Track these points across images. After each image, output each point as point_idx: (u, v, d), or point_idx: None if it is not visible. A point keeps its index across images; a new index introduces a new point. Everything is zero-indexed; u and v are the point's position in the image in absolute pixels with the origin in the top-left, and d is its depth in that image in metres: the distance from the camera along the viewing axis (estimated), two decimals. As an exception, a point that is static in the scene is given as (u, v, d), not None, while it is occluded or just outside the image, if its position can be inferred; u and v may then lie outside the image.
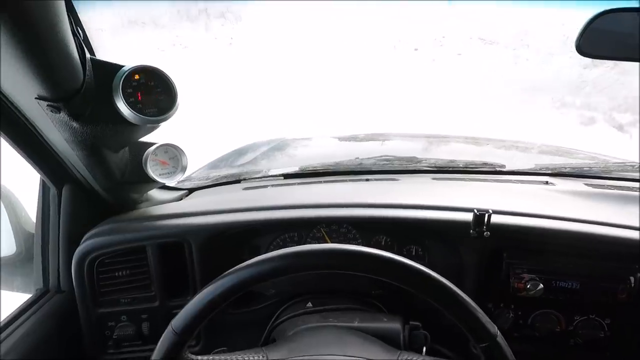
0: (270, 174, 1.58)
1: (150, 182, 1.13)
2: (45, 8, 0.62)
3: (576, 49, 0.82)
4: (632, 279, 1.01)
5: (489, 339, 0.72)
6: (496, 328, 0.74)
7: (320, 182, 1.47)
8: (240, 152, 2.05)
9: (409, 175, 1.54)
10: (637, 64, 0.78)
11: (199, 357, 0.80)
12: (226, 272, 0.75)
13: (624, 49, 0.82)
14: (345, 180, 1.48)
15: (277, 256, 0.74)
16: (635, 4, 0.78)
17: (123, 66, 0.87)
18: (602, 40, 0.81)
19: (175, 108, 0.92)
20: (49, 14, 0.63)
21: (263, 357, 0.83)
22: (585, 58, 0.92)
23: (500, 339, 0.73)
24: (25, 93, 0.80)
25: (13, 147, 0.98)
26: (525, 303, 1.09)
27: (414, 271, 0.74)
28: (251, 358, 0.82)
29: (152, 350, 1.15)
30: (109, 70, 0.86)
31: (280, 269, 0.74)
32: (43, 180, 1.13)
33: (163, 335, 0.75)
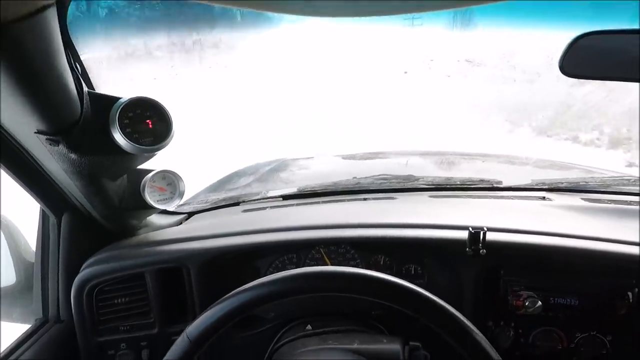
0: (269, 195, 1.59)
1: (149, 209, 1.15)
2: (44, 45, 0.64)
3: (560, 70, 0.85)
4: (630, 294, 1.00)
5: None
6: (497, 354, 0.73)
7: (318, 202, 1.48)
8: (238, 174, 2.06)
9: (407, 193, 1.55)
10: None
11: None
12: (245, 286, 0.76)
13: (606, 69, 0.84)
14: (344, 200, 1.49)
15: (297, 275, 0.76)
16: (615, 25, 0.81)
17: (119, 98, 0.89)
18: (584, 60, 0.84)
19: (170, 137, 0.94)
20: (46, 51, 0.66)
21: None
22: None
23: None
24: (25, 127, 0.83)
25: (12, 178, 0.99)
26: (526, 321, 1.08)
27: (418, 296, 0.74)
28: None
29: (151, 378, 1.15)
30: (106, 102, 0.89)
31: (297, 289, 0.76)
32: (42, 210, 1.14)
33: (176, 341, 0.75)
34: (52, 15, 0.62)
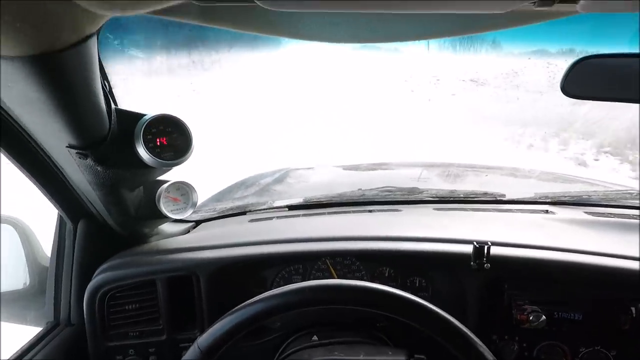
0: (275, 205, 1.62)
1: (163, 218, 1.18)
2: (83, 70, 0.68)
3: (561, 90, 0.88)
4: (633, 309, 1.02)
5: None
6: None
7: (324, 213, 1.50)
8: (245, 184, 2.09)
9: (411, 206, 1.57)
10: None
11: None
12: (257, 297, 0.78)
13: (606, 91, 0.87)
14: (349, 212, 1.51)
15: (308, 287, 0.79)
16: (614, 49, 0.84)
17: (144, 115, 0.94)
18: (585, 82, 0.87)
19: (190, 152, 0.99)
20: (84, 73, 0.70)
21: None
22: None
23: None
24: (56, 141, 0.87)
25: (35, 185, 1.03)
26: (530, 335, 1.10)
27: (421, 308, 0.76)
28: None
29: (158, 384, 1.17)
30: (131, 118, 0.94)
31: (310, 300, 0.78)
32: (60, 216, 1.17)
33: (188, 352, 0.77)
34: (93, 43, 0.66)
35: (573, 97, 0.88)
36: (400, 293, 0.78)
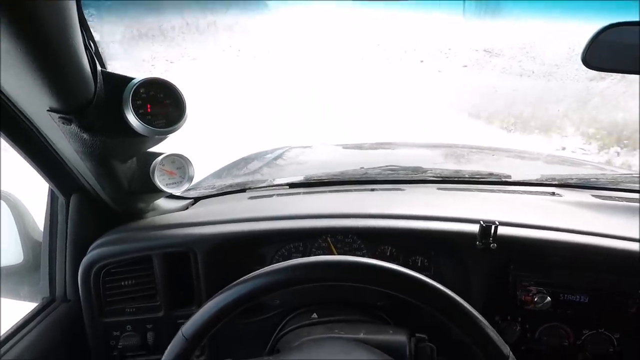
0: (275, 183, 1.59)
1: (157, 192, 1.14)
2: (58, 22, 0.63)
3: (582, 62, 0.82)
4: None
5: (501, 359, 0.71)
6: (508, 349, 0.72)
7: (325, 191, 1.47)
8: (245, 161, 2.06)
9: (415, 185, 1.54)
10: (641, 76, 0.79)
11: None
12: (239, 280, 0.75)
13: (630, 62, 0.82)
14: (351, 190, 1.49)
15: (290, 266, 0.75)
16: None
17: (133, 78, 0.88)
18: (608, 53, 0.81)
19: (183, 120, 0.93)
20: (62, 27, 0.65)
21: None
22: (591, 70, 0.92)
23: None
24: (37, 105, 0.82)
25: (23, 157, 0.99)
26: (533, 316, 1.08)
27: (428, 287, 0.73)
28: None
29: (156, 360, 1.16)
30: (119, 82, 0.88)
31: (295, 280, 0.74)
32: (51, 190, 1.14)
33: (172, 341, 0.75)
34: None
35: (595, 69, 0.83)
36: (400, 269, 0.75)
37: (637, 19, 0.80)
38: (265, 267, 0.76)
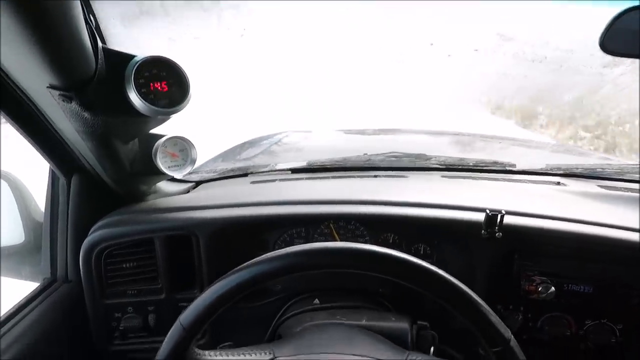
0: (277, 168, 1.57)
1: (159, 174, 1.13)
2: None
3: (600, 47, 0.80)
4: None
5: (502, 343, 0.71)
6: (510, 332, 0.72)
7: (328, 177, 1.46)
8: (247, 145, 2.04)
9: (418, 172, 1.52)
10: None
11: (206, 352, 0.80)
12: (236, 268, 0.74)
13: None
14: (354, 177, 1.47)
15: (290, 253, 0.74)
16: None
17: (135, 56, 0.85)
18: (627, 38, 0.79)
19: (187, 100, 0.91)
20: (61, 2, 0.62)
21: (270, 353, 0.82)
22: (605, 56, 0.89)
23: (513, 343, 0.72)
24: (37, 82, 0.79)
25: (23, 136, 0.97)
26: (536, 306, 1.08)
27: (428, 272, 0.72)
28: (258, 354, 0.82)
29: (157, 342, 1.15)
30: (121, 59, 0.85)
31: (293, 266, 0.73)
32: (52, 170, 1.12)
33: (171, 330, 0.75)
34: None
35: (613, 54, 0.80)
36: (403, 255, 0.74)
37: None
38: (263, 255, 0.75)
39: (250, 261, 0.75)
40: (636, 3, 0.79)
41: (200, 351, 0.79)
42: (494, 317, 0.72)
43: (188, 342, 0.75)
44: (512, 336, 0.72)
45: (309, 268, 0.74)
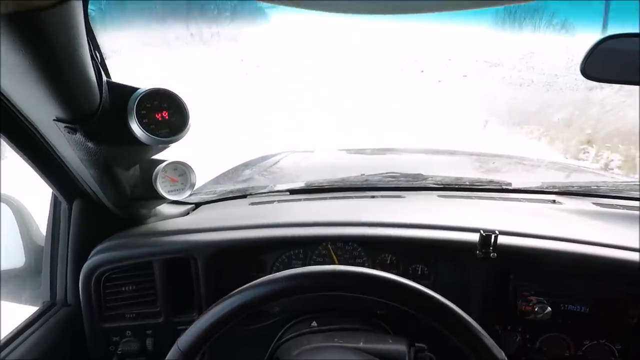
0: (276, 189, 1.59)
1: (159, 199, 1.15)
2: (65, 33, 0.64)
3: (581, 72, 0.83)
4: None
5: None
6: (503, 354, 0.73)
7: (326, 198, 1.47)
8: (246, 166, 2.06)
9: (415, 192, 1.54)
10: (641, 87, 0.80)
11: None
12: (233, 292, 0.75)
13: (628, 73, 0.82)
14: (351, 197, 1.49)
15: (285, 277, 0.75)
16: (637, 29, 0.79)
17: (137, 88, 0.89)
18: (607, 63, 0.82)
19: (187, 129, 0.94)
20: (69, 39, 0.65)
21: None
22: (590, 81, 0.92)
23: None
24: (44, 114, 0.83)
25: (27, 162, 1.00)
26: (533, 326, 1.08)
27: (421, 295, 0.73)
28: None
29: (155, 366, 1.16)
30: (124, 92, 0.89)
31: (291, 289, 0.75)
32: (54, 195, 1.15)
33: (169, 353, 0.75)
34: (78, 5, 0.61)
35: (594, 80, 0.83)
36: (395, 278, 0.75)
37: (635, 31, 0.80)
38: (259, 279, 0.76)
39: (246, 285, 0.76)
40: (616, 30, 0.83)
41: None
42: (487, 339, 0.72)
43: None
44: (506, 357, 0.73)
45: (306, 291, 0.76)
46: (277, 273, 0.77)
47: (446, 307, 0.73)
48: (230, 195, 1.54)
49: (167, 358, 0.75)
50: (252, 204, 1.45)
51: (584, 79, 0.89)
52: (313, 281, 0.75)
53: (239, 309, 0.74)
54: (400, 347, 0.95)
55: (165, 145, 0.97)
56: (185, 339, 0.74)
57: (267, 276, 0.76)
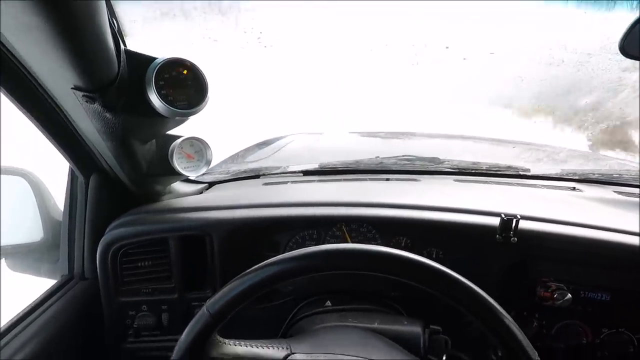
0: (289, 170, 1.58)
1: (175, 175, 1.15)
2: None
3: (620, 50, 0.79)
4: None
5: None
6: (537, 354, 0.71)
7: (340, 180, 1.46)
8: (260, 147, 2.05)
9: (431, 176, 1.51)
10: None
11: (227, 341, 0.80)
12: (267, 261, 0.74)
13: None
14: (365, 179, 1.47)
15: (322, 252, 0.74)
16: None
17: (156, 58, 0.87)
18: (648, 41, 0.77)
19: (205, 102, 0.92)
20: (88, 5, 0.64)
21: (287, 349, 0.83)
22: (624, 60, 0.88)
23: None
24: (61, 83, 0.81)
25: (45, 135, 1.00)
26: (551, 313, 1.06)
27: (464, 288, 0.72)
28: (275, 348, 0.82)
29: (170, 340, 1.18)
30: (143, 61, 0.87)
31: (325, 266, 0.74)
32: (72, 170, 1.15)
33: (196, 316, 0.74)
34: None
35: (633, 58, 0.79)
36: (423, 260, 0.73)
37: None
38: (295, 251, 0.75)
39: (280, 256, 0.75)
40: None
41: (223, 339, 0.79)
42: (523, 338, 0.70)
43: (212, 329, 0.74)
44: (539, 358, 0.71)
45: (342, 268, 0.74)
46: (318, 246, 0.75)
47: (487, 303, 0.71)
48: (243, 175, 1.54)
49: (193, 320, 0.74)
50: (266, 184, 1.44)
51: (618, 59, 0.84)
52: (355, 260, 0.74)
53: (273, 277, 0.73)
54: (415, 329, 0.95)
55: (183, 118, 0.95)
56: (214, 302, 0.73)
57: (303, 249, 0.75)
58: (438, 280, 0.73)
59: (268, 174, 1.55)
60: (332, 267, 0.74)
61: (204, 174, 1.48)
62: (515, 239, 1.00)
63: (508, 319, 0.70)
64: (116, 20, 0.78)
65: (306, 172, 1.54)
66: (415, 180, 1.46)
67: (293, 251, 0.75)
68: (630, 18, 0.77)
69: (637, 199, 1.33)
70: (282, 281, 0.74)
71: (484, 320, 0.71)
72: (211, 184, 1.47)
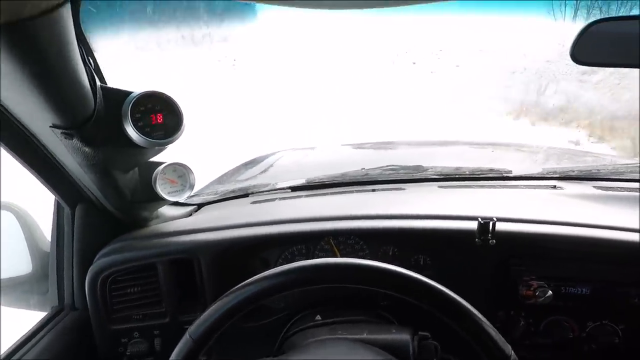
0: (277, 187, 1.60)
1: (160, 200, 1.16)
2: (58, 41, 0.65)
3: (571, 58, 0.83)
4: None
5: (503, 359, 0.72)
6: (510, 348, 0.73)
7: (327, 193, 1.48)
8: (247, 166, 2.07)
9: (416, 184, 1.54)
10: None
11: None
12: (245, 282, 0.76)
13: (617, 56, 0.82)
14: (352, 192, 1.49)
15: (297, 268, 0.76)
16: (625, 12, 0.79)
17: (131, 92, 0.90)
18: (596, 47, 0.82)
19: (181, 130, 0.95)
20: (61, 46, 0.66)
21: None
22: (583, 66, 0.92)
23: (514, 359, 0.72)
24: (41, 121, 0.84)
25: (28, 170, 1.01)
26: (536, 310, 1.08)
27: (428, 288, 0.74)
28: None
29: (164, 365, 1.17)
30: (118, 96, 0.90)
31: (298, 281, 0.76)
32: (57, 201, 1.16)
33: (179, 342, 0.76)
34: (67, 12, 0.62)
35: (583, 65, 0.83)
36: (402, 271, 0.76)
37: (623, 15, 0.80)
38: (270, 270, 0.77)
39: (258, 275, 0.77)
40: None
41: None
42: (494, 333, 0.73)
43: (196, 354, 0.75)
44: (513, 352, 0.73)
45: (311, 283, 0.77)
46: (288, 264, 0.78)
47: (453, 300, 0.73)
48: (232, 195, 1.55)
49: (177, 347, 0.75)
50: (254, 202, 1.46)
51: (575, 64, 0.89)
52: (323, 274, 0.76)
53: (250, 298, 0.74)
54: (404, 336, 0.96)
55: (161, 147, 0.98)
56: (196, 327, 0.75)
57: (279, 267, 0.77)
58: (408, 285, 0.75)
59: (256, 192, 1.56)
60: (306, 282, 0.76)
61: (192, 196, 1.50)
62: (494, 241, 1.03)
63: (479, 317, 0.72)
64: (92, 58, 0.81)
65: (294, 188, 1.56)
66: (400, 189, 1.49)
67: (267, 271, 0.77)
68: (578, 27, 0.82)
69: (615, 193, 1.37)
70: (260, 301, 0.76)
71: (457, 321, 0.73)
72: (200, 206, 1.48)
